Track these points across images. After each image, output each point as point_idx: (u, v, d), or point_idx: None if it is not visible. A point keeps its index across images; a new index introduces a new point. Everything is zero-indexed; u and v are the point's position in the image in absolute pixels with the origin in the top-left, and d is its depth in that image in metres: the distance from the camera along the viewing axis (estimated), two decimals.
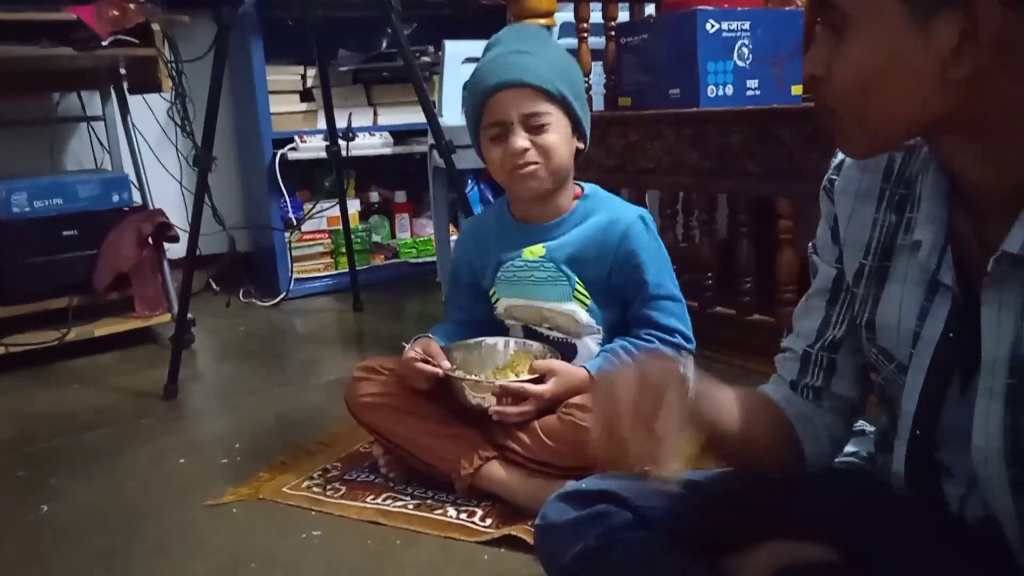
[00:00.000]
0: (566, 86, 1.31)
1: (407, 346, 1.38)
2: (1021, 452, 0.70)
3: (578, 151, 1.37)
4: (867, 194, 0.82)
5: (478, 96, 1.32)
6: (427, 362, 1.32)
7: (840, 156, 0.85)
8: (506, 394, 1.27)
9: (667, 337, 1.35)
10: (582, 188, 1.43)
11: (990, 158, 0.67)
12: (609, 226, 1.35)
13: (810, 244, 0.90)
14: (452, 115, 2.48)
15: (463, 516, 1.27)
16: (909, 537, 0.84)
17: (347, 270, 2.67)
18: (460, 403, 1.33)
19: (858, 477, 0.94)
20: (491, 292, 1.44)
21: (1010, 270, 0.67)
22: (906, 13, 0.62)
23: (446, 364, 1.33)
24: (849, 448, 1.01)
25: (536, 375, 1.29)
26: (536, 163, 1.30)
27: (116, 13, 2.09)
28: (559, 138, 1.31)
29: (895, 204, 0.79)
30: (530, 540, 1.11)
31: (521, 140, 1.29)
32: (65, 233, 2.26)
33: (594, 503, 0.95)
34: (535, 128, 1.29)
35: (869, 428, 0.99)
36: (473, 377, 1.32)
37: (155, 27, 2.20)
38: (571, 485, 0.99)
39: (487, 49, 1.36)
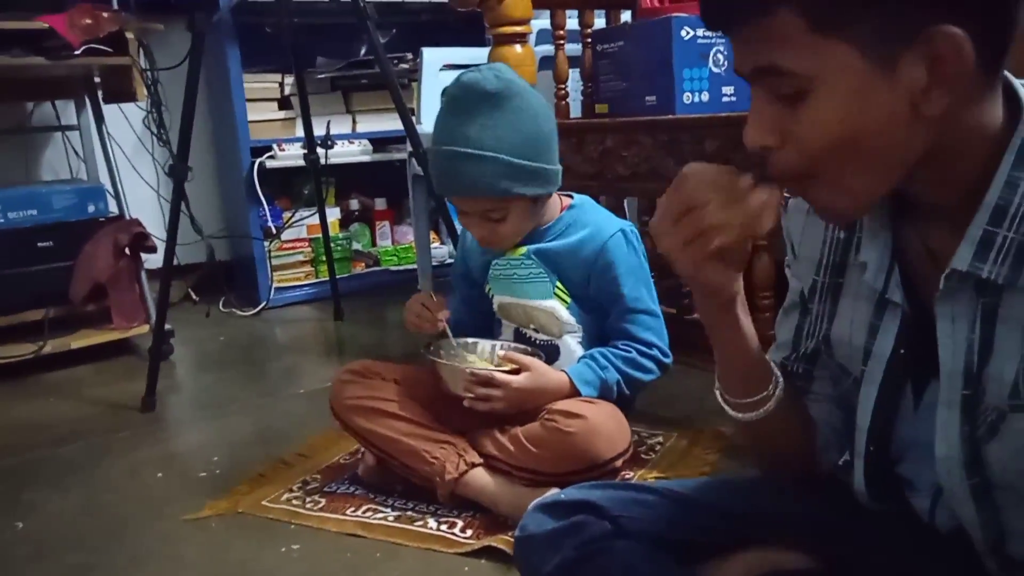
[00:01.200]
0: (519, 181, 1.30)
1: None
2: (978, 461, 0.71)
3: (545, 198, 1.40)
4: None
5: (436, 188, 1.40)
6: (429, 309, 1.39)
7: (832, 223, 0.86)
8: (476, 381, 1.28)
9: (645, 350, 1.37)
10: (572, 197, 1.46)
11: (941, 179, 0.67)
12: (589, 238, 1.38)
13: (786, 260, 0.91)
14: (430, 122, 2.45)
15: (443, 527, 1.27)
16: (884, 546, 0.84)
17: (328, 278, 2.66)
18: (446, 404, 1.35)
19: (835, 487, 0.95)
20: (487, 289, 1.48)
21: (960, 284, 0.68)
22: (868, 62, 0.61)
23: (444, 314, 1.39)
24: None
25: (511, 367, 1.31)
26: (495, 243, 1.39)
27: (88, 22, 2.07)
28: (515, 222, 1.36)
29: None
30: (510, 551, 1.10)
31: (478, 229, 1.37)
32: (40, 244, 2.24)
33: (573, 514, 0.95)
34: (493, 218, 1.34)
35: None
36: (450, 363, 1.34)
37: (129, 35, 2.19)
38: (550, 496, 0.99)
39: (444, 109, 1.33)
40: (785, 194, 0.86)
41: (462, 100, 1.29)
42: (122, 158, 2.64)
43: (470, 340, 1.45)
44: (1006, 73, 0.66)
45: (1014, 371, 0.66)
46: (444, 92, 1.32)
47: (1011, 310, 0.66)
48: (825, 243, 0.82)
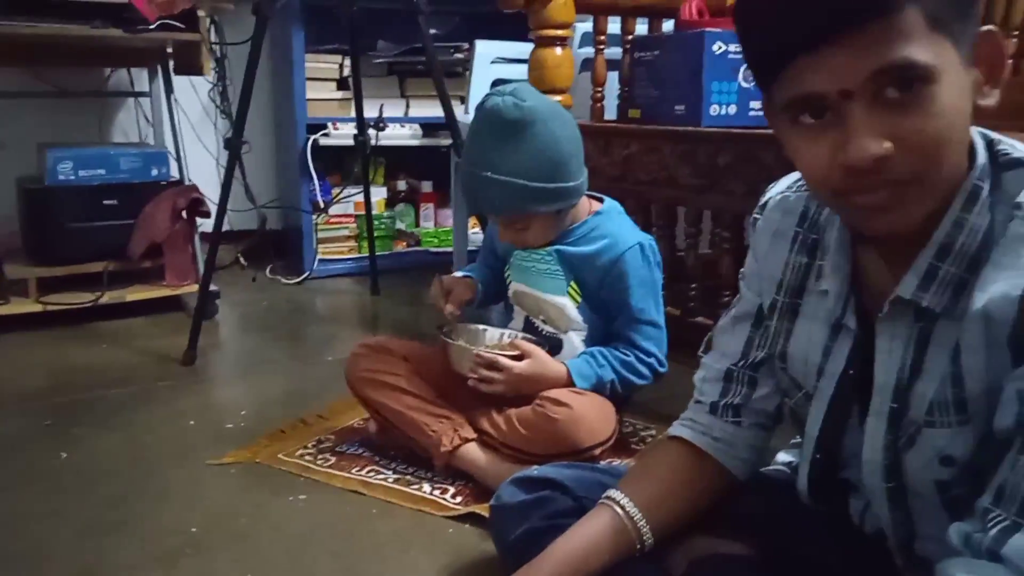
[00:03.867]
0: (539, 200, 1.37)
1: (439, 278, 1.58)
2: (896, 467, 0.79)
3: (571, 206, 1.47)
4: (783, 235, 0.89)
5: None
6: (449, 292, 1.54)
7: (767, 196, 0.93)
8: (481, 363, 1.39)
9: (643, 357, 1.45)
10: (601, 201, 1.53)
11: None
12: (608, 248, 1.45)
13: (740, 271, 0.98)
14: None
15: (436, 492, 1.38)
16: (813, 539, 0.92)
17: (368, 254, 2.78)
18: (449, 381, 1.46)
19: (780, 486, 1.02)
20: (507, 273, 1.57)
21: (902, 309, 0.75)
22: (961, 59, 0.66)
23: (450, 308, 1.52)
24: (783, 457, 1.10)
25: (515, 353, 1.40)
26: (523, 244, 1.49)
27: None
28: (540, 232, 1.45)
29: (807, 247, 0.87)
30: None
31: (509, 236, 1.48)
32: (105, 202, 2.40)
33: (542, 489, 1.05)
34: (517, 228, 1.44)
35: None
36: (458, 344, 1.45)
37: (200, 13, 2.33)
38: (523, 472, 1.10)
39: (471, 133, 1.40)
40: (755, 214, 0.94)
41: (486, 125, 1.37)
42: (187, 126, 2.80)
43: (481, 326, 1.55)
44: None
45: (933, 391, 0.74)
46: (477, 109, 1.40)
47: (941, 337, 0.73)
48: (787, 266, 0.89)
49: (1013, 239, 0.68)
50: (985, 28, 0.66)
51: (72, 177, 2.37)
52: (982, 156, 0.71)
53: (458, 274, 1.62)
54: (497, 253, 1.62)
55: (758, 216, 0.93)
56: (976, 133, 0.72)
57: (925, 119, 0.65)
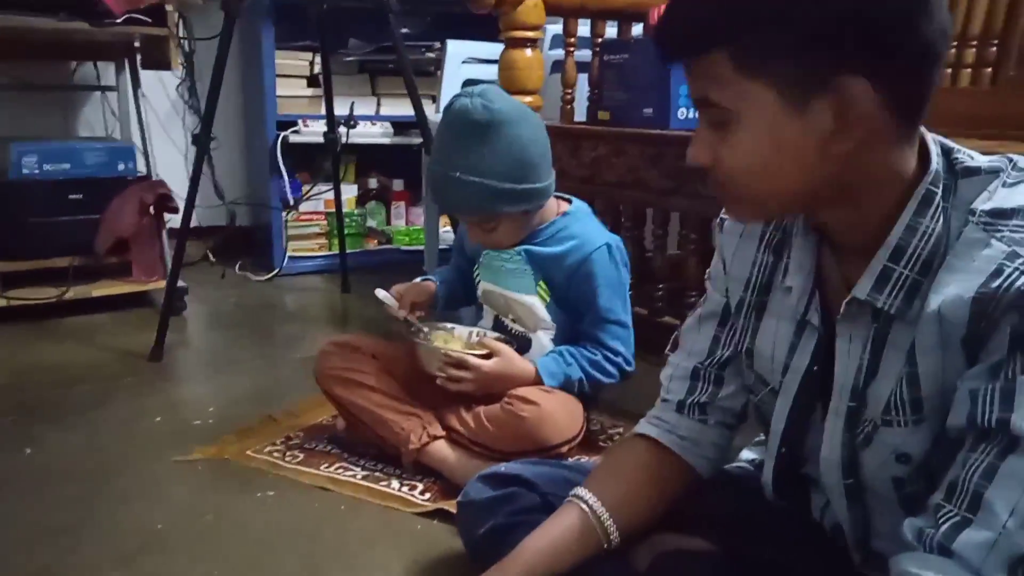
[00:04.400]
0: (506, 200, 1.38)
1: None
2: (854, 465, 0.81)
3: (539, 206, 1.48)
4: (751, 235, 0.91)
5: None
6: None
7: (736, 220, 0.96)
8: (449, 362, 1.40)
9: (611, 356, 1.46)
10: (569, 202, 1.54)
11: (849, 218, 0.76)
12: (576, 248, 1.46)
13: (707, 272, 1.00)
14: None
15: (404, 489, 1.39)
16: (776, 538, 0.95)
17: (339, 252, 2.78)
18: (418, 379, 1.46)
19: (744, 483, 1.05)
20: (476, 273, 1.58)
21: (860, 311, 0.77)
22: (783, 103, 0.69)
23: (401, 314, 1.52)
24: (746, 455, 1.13)
25: (484, 352, 1.41)
26: (491, 245, 1.49)
27: None
28: (508, 231, 1.46)
29: (774, 246, 0.89)
30: None
31: (474, 235, 1.49)
32: (71, 197, 2.37)
33: (508, 485, 1.07)
34: (485, 228, 1.45)
35: None
36: (426, 344, 1.45)
37: (168, 8, 2.31)
38: (491, 468, 1.11)
39: (439, 132, 1.42)
40: (722, 216, 0.96)
41: (454, 126, 1.37)
42: (155, 121, 2.77)
43: (449, 325, 1.56)
44: (923, 129, 0.74)
45: (889, 391, 0.76)
46: (445, 110, 1.41)
47: (897, 338, 0.75)
48: (755, 264, 0.91)
49: (967, 243, 0.70)
50: (839, 79, 0.67)
51: (37, 171, 2.34)
52: (935, 163, 0.73)
53: (417, 280, 1.62)
54: (467, 253, 1.63)
55: (725, 217, 0.95)
56: (932, 141, 0.75)
57: (730, 151, 0.72)
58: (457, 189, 1.37)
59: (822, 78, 0.67)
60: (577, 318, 1.50)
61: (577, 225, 1.50)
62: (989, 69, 1.62)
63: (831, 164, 0.71)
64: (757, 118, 0.70)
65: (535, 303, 1.49)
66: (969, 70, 1.63)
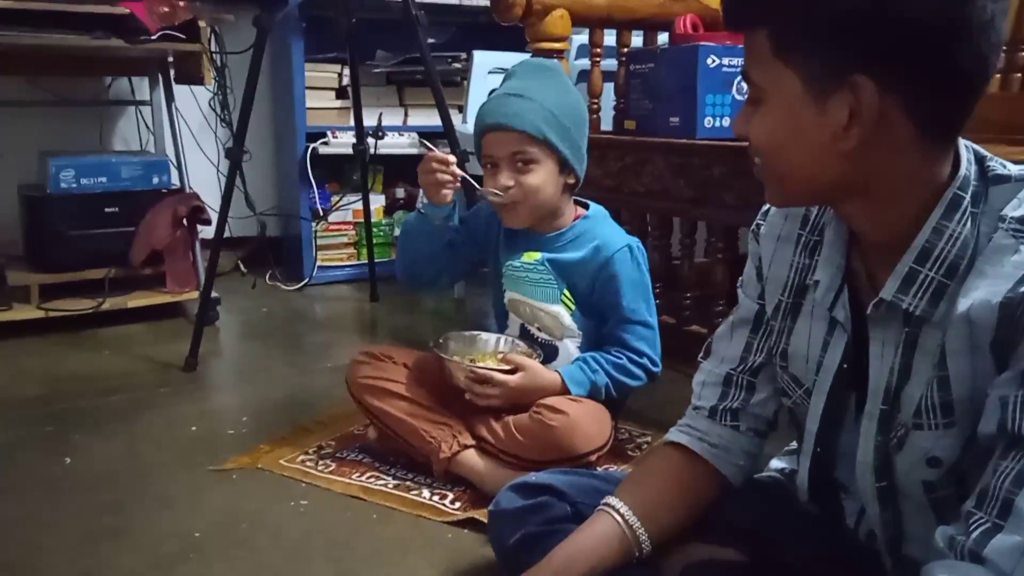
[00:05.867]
0: (555, 131, 1.41)
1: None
2: (887, 468, 0.82)
3: (569, 184, 1.49)
4: (787, 239, 0.93)
5: (477, 132, 1.48)
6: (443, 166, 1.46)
7: (767, 204, 0.96)
8: (475, 379, 1.41)
9: (636, 358, 1.47)
10: (587, 207, 1.56)
11: (876, 218, 0.77)
12: (598, 250, 1.47)
13: (739, 280, 1.01)
14: None
15: (436, 498, 1.40)
16: (807, 547, 0.95)
17: (368, 261, 2.81)
18: (448, 389, 1.47)
19: (774, 491, 1.05)
20: (501, 283, 1.58)
21: (889, 312, 0.78)
22: (806, 92, 0.72)
23: (454, 164, 1.46)
24: (776, 463, 1.13)
25: (509, 367, 1.42)
26: (516, 201, 1.44)
27: (166, 10, 2.25)
28: (542, 177, 1.43)
29: (809, 248, 0.90)
30: None
31: (505, 178, 1.43)
32: (107, 210, 2.42)
33: (539, 495, 1.07)
34: (521, 166, 1.42)
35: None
36: (453, 359, 1.46)
37: (201, 24, 2.35)
38: (521, 478, 1.12)
39: (504, 79, 1.50)
40: (758, 221, 0.97)
41: (520, 68, 1.49)
42: (188, 135, 2.82)
43: (476, 333, 1.57)
44: (961, 139, 0.75)
45: (920, 394, 0.77)
46: (504, 76, 1.49)
47: (927, 341, 0.76)
48: (792, 267, 0.92)
49: (996, 249, 0.71)
50: (854, 78, 0.68)
51: (74, 185, 2.39)
52: (964, 168, 0.74)
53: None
54: (477, 239, 1.60)
55: (761, 222, 0.96)
56: (965, 147, 0.76)
57: (757, 128, 0.76)
58: (515, 104, 1.40)
59: (840, 74, 0.69)
60: (602, 323, 1.50)
61: (597, 228, 1.51)
62: (1019, 75, 1.60)
63: (841, 160, 0.73)
64: (782, 102, 0.73)
65: (561, 312, 1.50)
66: (999, 76, 1.62)
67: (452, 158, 1.46)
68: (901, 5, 0.66)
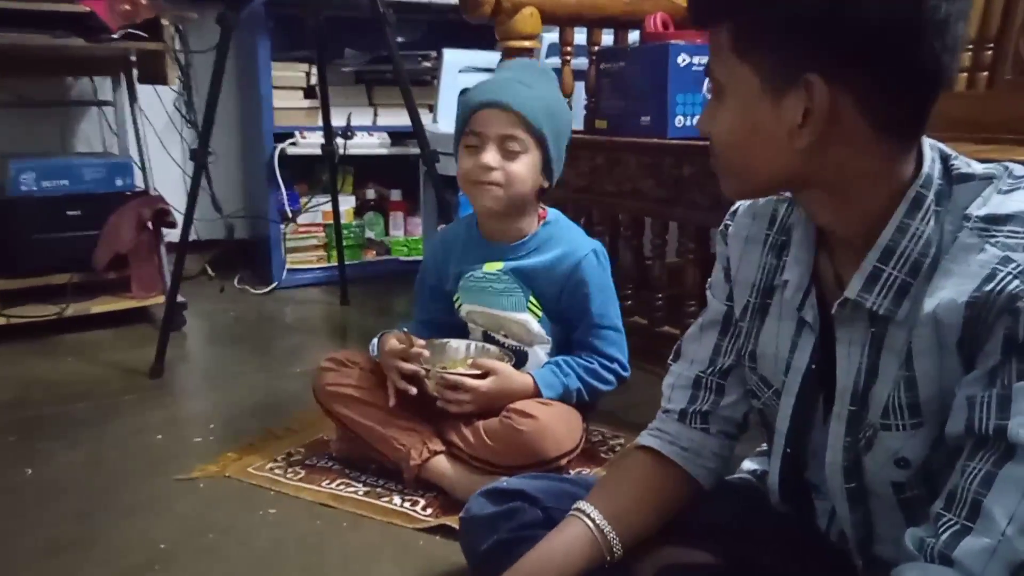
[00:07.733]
0: (548, 124, 1.40)
1: (374, 342, 1.49)
2: (856, 468, 0.82)
3: (542, 188, 1.47)
4: (755, 239, 0.92)
5: (467, 106, 1.42)
6: (406, 359, 1.41)
7: (736, 205, 0.96)
8: (446, 385, 1.39)
9: (607, 363, 1.46)
10: (546, 211, 1.53)
11: (838, 214, 0.77)
12: (564, 256, 1.46)
13: (708, 281, 1.00)
14: (447, 122, 2.58)
15: (406, 504, 1.39)
16: (779, 548, 0.95)
17: (338, 264, 2.78)
18: (418, 396, 1.44)
19: (745, 493, 1.05)
20: (455, 297, 1.55)
21: (854, 312, 0.78)
22: (763, 89, 0.72)
23: (425, 354, 1.42)
24: (748, 465, 1.12)
25: (479, 371, 1.40)
26: (498, 184, 1.40)
27: (127, 8, 2.20)
28: (526, 168, 1.40)
29: (776, 249, 0.90)
30: None
31: (491, 156, 1.39)
32: (69, 213, 2.37)
33: (510, 500, 1.06)
34: (507, 152, 1.39)
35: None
36: (424, 367, 1.43)
37: (164, 22, 2.31)
38: (492, 484, 1.11)
39: (497, 69, 1.50)
40: (726, 221, 0.97)
41: (516, 63, 1.54)
42: (152, 136, 2.77)
43: (445, 340, 1.53)
44: (926, 137, 0.74)
45: (887, 394, 0.76)
46: (497, 68, 1.54)
47: (893, 341, 0.76)
48: (760, 268, 0.92)
49: (962, 248, 0.71)
50: (808, 76, 0.69)
51: (35, 188, 2.34)
52: (927, 167, 0.74)
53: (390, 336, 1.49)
54: (444, 283, 1.56)
55: (729, 222, 0.96)
56: (929, 146, 0.75)
57: (717, 122, 0.77)
58: (516, 87, 1.40)
59: (794, 72, 0.69)
60: (570, 328, 1.49)
61: (561, 233, 1.49)
62: (985, 73, 1.62)
63: (798, 156, 0.73)
64: (741, 98, 0.74)
65: (528, 320, 1.48)
66: (965, 74, 1.63)
67: (420, 370, 1.41)
68: (854, 5, 0.66)
